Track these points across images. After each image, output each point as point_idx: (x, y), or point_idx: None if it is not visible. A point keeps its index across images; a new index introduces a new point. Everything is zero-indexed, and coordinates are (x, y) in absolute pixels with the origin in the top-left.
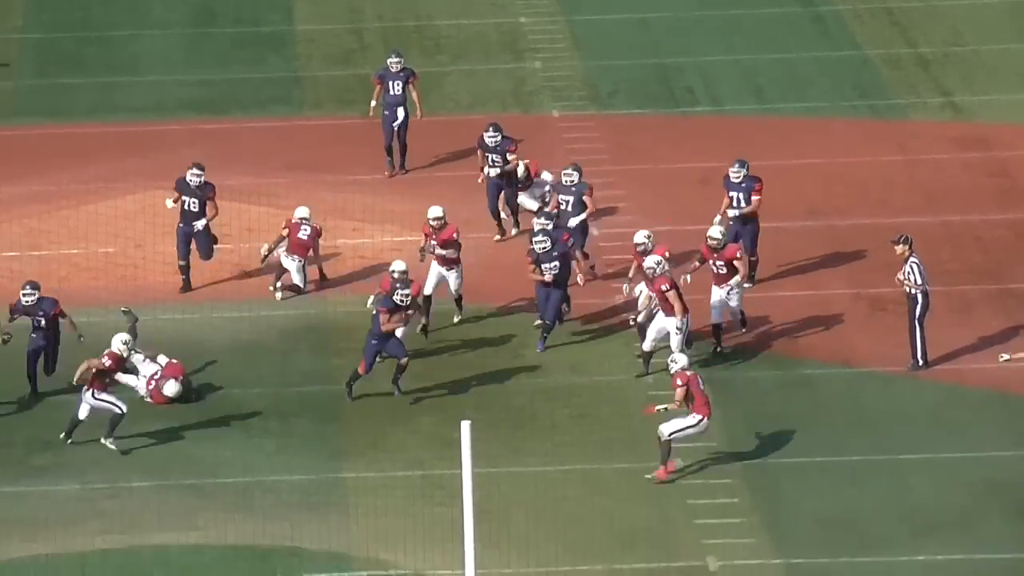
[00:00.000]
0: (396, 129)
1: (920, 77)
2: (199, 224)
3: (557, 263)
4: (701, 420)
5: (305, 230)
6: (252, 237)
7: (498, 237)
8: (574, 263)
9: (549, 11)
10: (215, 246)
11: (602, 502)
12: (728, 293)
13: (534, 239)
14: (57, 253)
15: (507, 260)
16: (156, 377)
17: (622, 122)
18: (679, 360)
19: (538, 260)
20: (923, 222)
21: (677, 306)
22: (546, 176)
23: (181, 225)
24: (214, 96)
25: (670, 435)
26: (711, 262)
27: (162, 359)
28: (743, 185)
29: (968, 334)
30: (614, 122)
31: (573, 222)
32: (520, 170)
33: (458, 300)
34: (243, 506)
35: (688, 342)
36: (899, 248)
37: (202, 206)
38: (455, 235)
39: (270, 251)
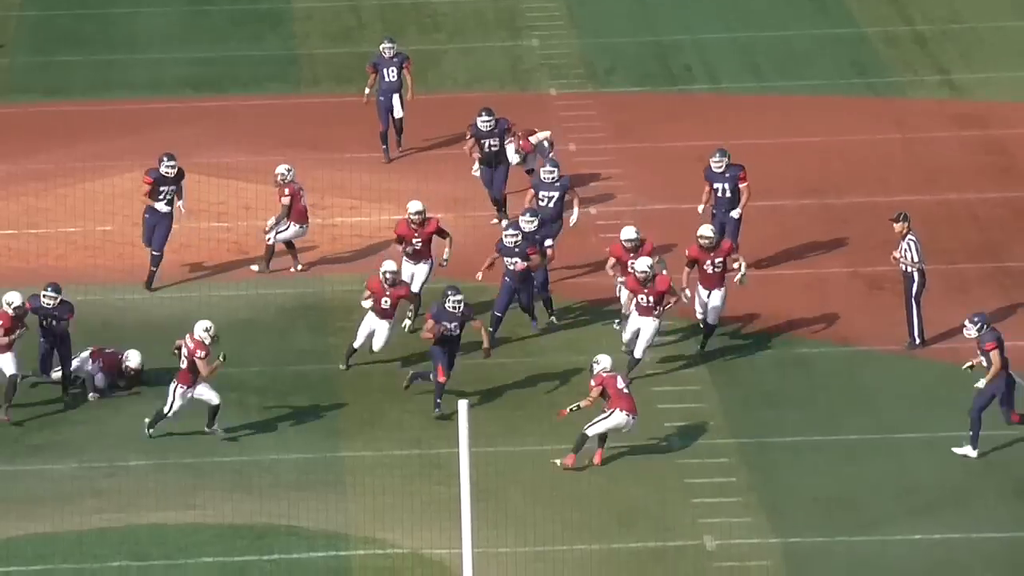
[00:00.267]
0: (392, 116)
1: (918, 55)
2: (163, 207)
3: (518, 260)
4: (614, 412)
5: (304, 195)
6: (250, 215)
7: (495, 221)
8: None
9: None
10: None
11: (599, 481)
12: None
13: (505, 233)
14: (54, 231)
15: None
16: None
17: (620, 100)
18: (601, 361)
19: (503, 252)
20: (921, 200)
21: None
22: (541, 136)
23: (147, 216)
24: (212, 74)
25: (586, 427)
26: (707, 262)
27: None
28: (726, 175)
29: (965, 312)
30: (612, 100)
31: (572, 220)
32: (511, 155)
33: (417, 297)
34: (241, 485)
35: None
36: (897, 226)
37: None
38: (439, 225)
39: (275, 230)
